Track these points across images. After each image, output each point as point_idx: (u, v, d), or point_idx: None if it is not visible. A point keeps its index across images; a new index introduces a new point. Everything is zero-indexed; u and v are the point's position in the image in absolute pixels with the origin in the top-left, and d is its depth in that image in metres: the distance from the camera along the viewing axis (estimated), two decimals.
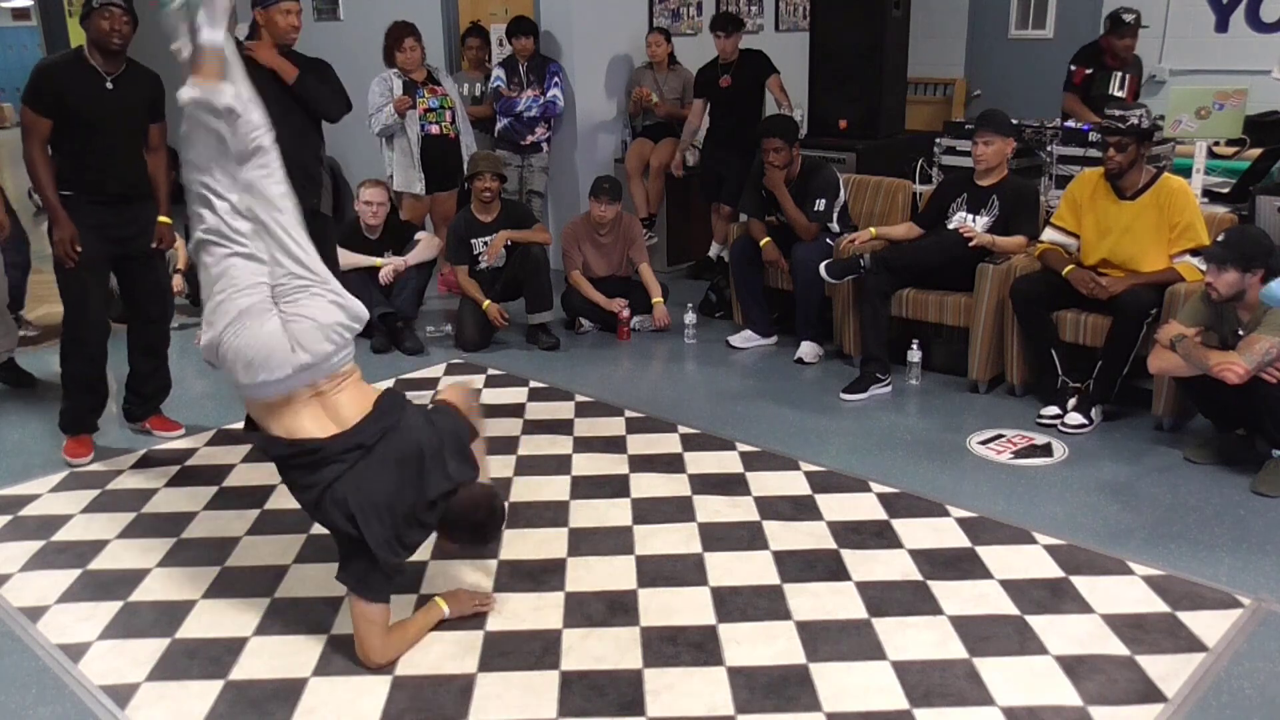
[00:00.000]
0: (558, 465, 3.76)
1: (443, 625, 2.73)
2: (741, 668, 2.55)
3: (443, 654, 2.63)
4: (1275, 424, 3.44)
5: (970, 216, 4.52)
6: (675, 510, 3.39)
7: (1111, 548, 3.10)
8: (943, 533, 3.21)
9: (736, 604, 2.83)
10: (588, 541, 3.19)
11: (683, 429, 4.06)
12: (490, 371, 4.82)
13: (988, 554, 3.07)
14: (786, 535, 3.20)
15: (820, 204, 4.86)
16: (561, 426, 4.12)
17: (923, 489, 3.52)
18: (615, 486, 3.57)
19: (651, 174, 6.41)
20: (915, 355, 4.53)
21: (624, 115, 6.67)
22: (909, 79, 6.72)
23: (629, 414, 4.23)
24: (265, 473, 3.61)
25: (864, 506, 3.39)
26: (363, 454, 2.51)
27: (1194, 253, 3.89)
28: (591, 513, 3.38)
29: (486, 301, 5.14)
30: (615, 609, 2.81)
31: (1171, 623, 2.70)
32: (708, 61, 6.16)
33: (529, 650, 2.64)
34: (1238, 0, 7.05)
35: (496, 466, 3.75)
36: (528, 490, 3.56)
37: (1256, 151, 5.04)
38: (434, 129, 5.70)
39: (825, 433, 4.05)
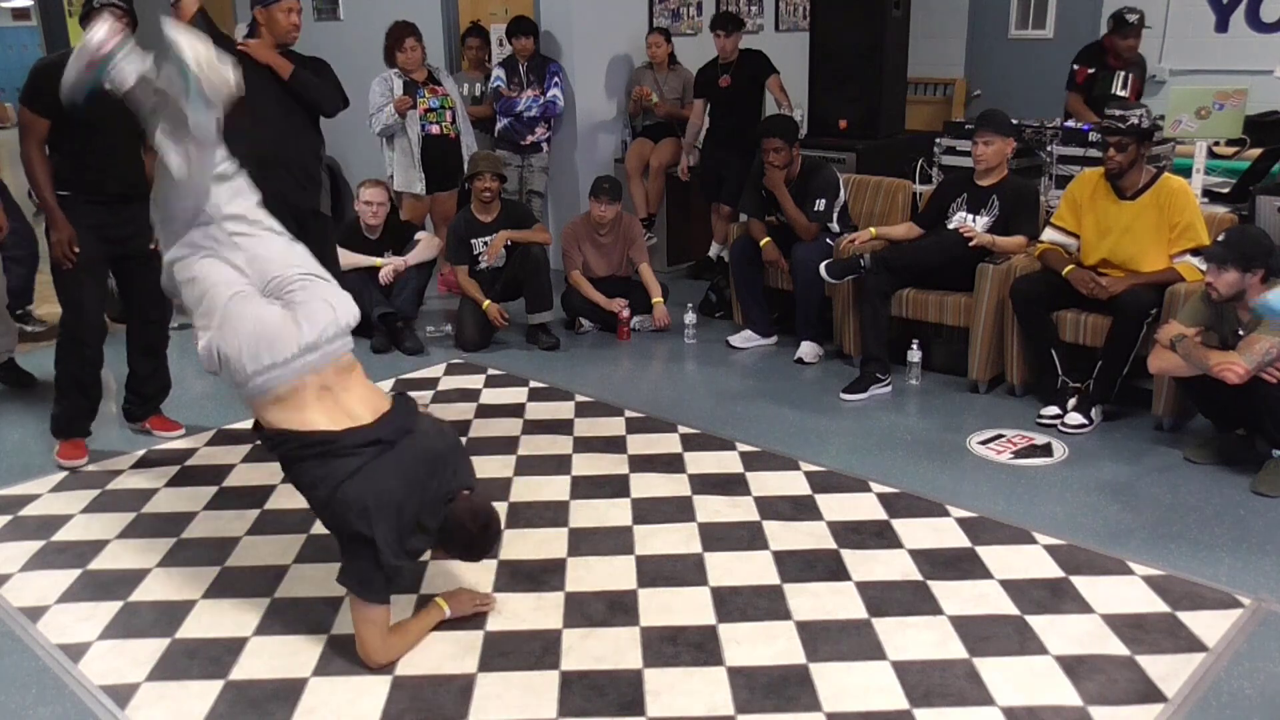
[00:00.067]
0: (558, 465, 3.76)
1: (443, 625, 2.73)
2: (741, 668, 2.55)
3: (443, 654, 2.63)
4: (1275, 424, 3.44)
5: (970, 216, 4.52)
6: (675, 510, 3.39)
7: (1111, 548, 3.10)
8: (943, 533, 3.21)
9: (736, 604, 2.83)
10: (588, 541, 3.19)
11: (683, 429, 4.06)
12: (490, 371, 4.82)
13: (988, 554, 3.07)
14: (786, 535, 3.20)
15: (820, 204, 4.86)
16: (561, 426, 4.12)
17: (923, 489, 3.52)
18: (615, 486, 3.57)
19: (651, 174, 6.41)
20: (915, 355, 4.53)
21: (624, 115, 6.67)
22: (909, 79, 6.72)
23: (629, 414, 4.23)
24: (265, 473, 3.61)
25: (864, 506, 3.39)
26: (380, 451, 2.50)
27: (1194, 253, 3.89)
28: (591, 513, 3.38)
29: (486, 301, 5.14)
30: (615, 609, 2.81)
31: (1171, 623, 2.70)
32: (708, 61, 6.16)
33: (529, 650, 2.64)
34: (1238, 0, 7.05)
35: (496, 466, 3.75)
36: (528, 490, 3.56)
37: (1256, 151, 5.03)
38: (434, 129, 5.70)
39: (825, 433, 4.05)
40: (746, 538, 3.19)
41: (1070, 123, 5.33)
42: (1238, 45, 7.06)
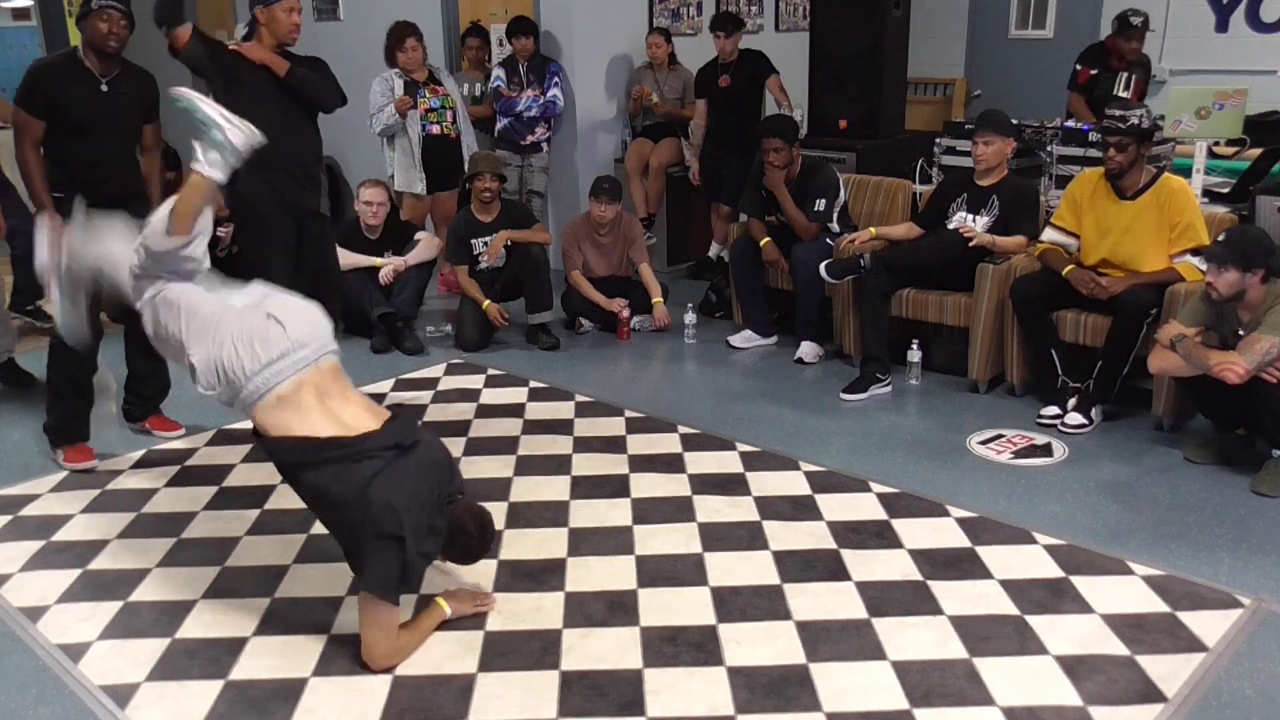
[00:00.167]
0: (558, 465, 3.76)
1: (443, 625, 2.73)
2: (741, 668, 2.55)
3: (443, 654, 2.63)
4: (1275, 424, 3.44)
5: (970, 216, 4.52)
6: (675, 510, 3.39)
7: (1111, 548, 3.10)
8: (943, 533, 3.21)
9: (736, 604, 2.83)
10: (588, 541, 3.19)
11: (683, 429, 4.06)
12: (490, 371, 4.82)
13: (988, 554, 3.07)
14: (786, 535, 3.20)
15: (820, 204, 4.86)
16: (561, 426, 4.12)
17: (923, 489, 3.52)
18: (615, 486, 3.57)
19: (651, 174, 6.41)
20: (915, 355, 4.53)
21: (624, 115, 6.67)
22: (909, 79, 6.72)
23: (629, 414, 4.23)
24: (265, 473, 3.61)
25: (864, 506, 3.39)
26: (398, 454, 2.54)
27: (1194, 252, 3.89)
28: (591, 513, 3.38)
29: (486, 301, 5.14)
30: (615, 609, 2.82)
31: (1171, 623, 2.70)
32: (708, 61, 6.16)
33: (529, 650, 2.64)
34: (1238, 0, 7.05)
35: (496, 466, 3.75)
36: (528, 490, 3.56)
37: (1256, 151, 5.04)
38: (435, 129, 5.70)
39: (825, 433, 4.05)
40: (746, 538, 3.19)
41: (1070, 123, 5.33)
42: (1238, 45, 7.06)
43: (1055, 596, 2.84)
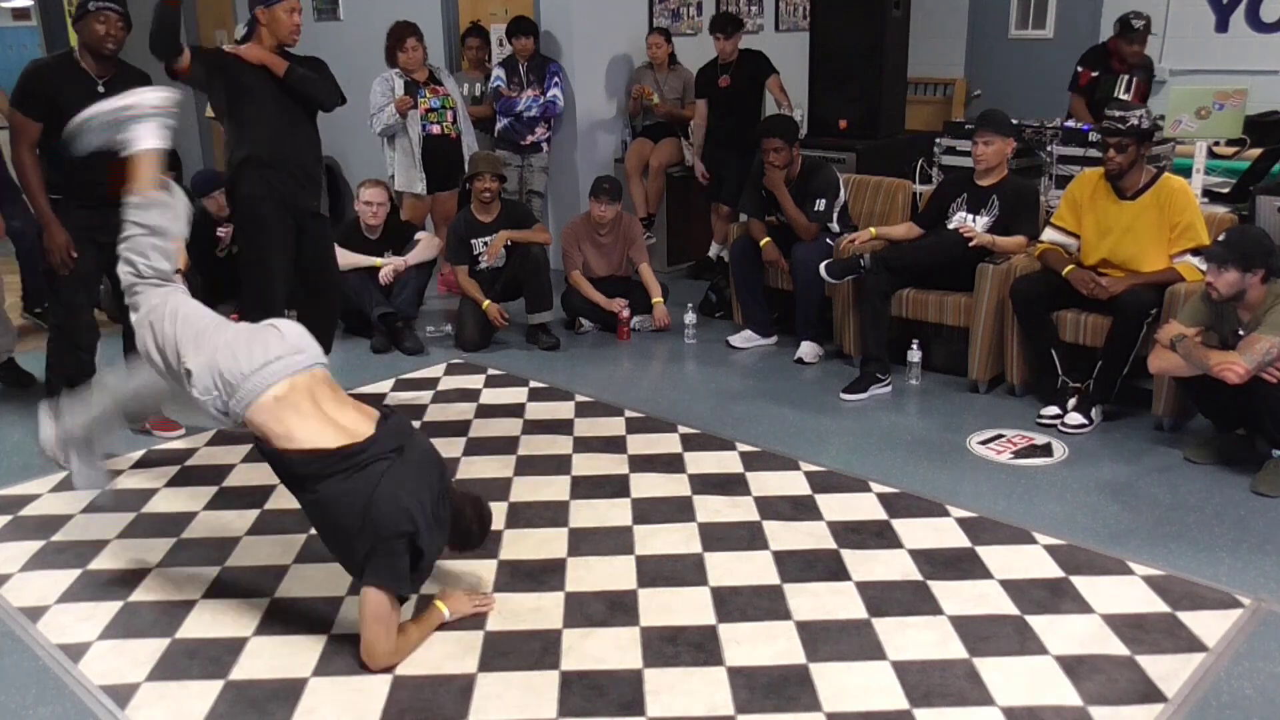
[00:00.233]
0: (558, 465, 3.76)
1: (442, 625, 2.73)
2: (741, 668, 2.55)
3: (443, 654, 2.63)
4: (1275, 424, 3.44)
5: (970, 216, 4.52)
6: (675, 510, 3.39)
7: (1111, 548, 3.10)
8: (943, 533, 3.21)
9: (736, 604, 2.83)
10: (588, 541, 3.19)
11: (683, 429, 4.06)
12: (490, 371, 4.82)
13: (988, 554, 3.07)
14: (786, 535, 3.20)
15: (820, 204, 4.86)
16: (561, 426, 4.12)
17: (923, 489, 3.52)
18: (615, 486, 3.57)
19: (651, 174, 6.41)
20: (915, 355, 4.53)
21: (624, 115, 6.67)
22: (909, 79, 6.72)
23: (629, 414, 4.23)
24: (265, 472, 3.59)
25: (864, 506, 3.39)
26: (399, 455, 2.57)
27: (1194, 252, 3.89)
28: (591, 513, 3.38)
29: (486, 301, 5.14)
30: (615, 609, 2.81)
31: (1171, 623, 2.70)
32: (708, 62, 6.16)
33: (529, 650, 2.64)
34: (1238, 0, 7.05)
35: (496, 466, 3.75)
36: (528, 490, 3.56)
37: (1256, 151, 5.04)
38: (435, 129, 5.70)
39: (825, 433, 4.05)
40: (746, 538, 3.19)
41: (1070, 123, 5.33)
42: (1238, 45, 7.06)
43: (1055, 596, 2.84)
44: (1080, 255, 4.20)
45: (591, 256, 5.43)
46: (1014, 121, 4.68)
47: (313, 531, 3.23)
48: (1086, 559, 3.03)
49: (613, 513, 3.38)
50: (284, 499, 3.46)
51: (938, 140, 5.51)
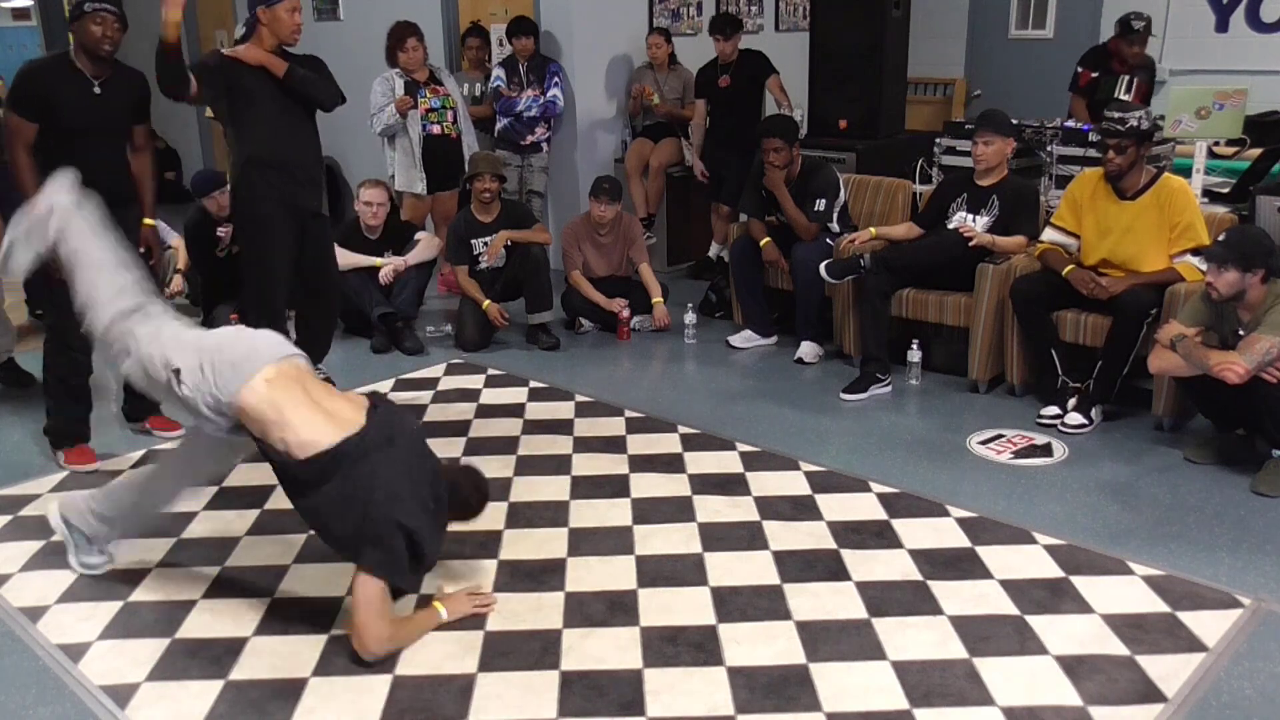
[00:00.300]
0: (558, 465, 3.76)
1: (443, 625, 2.73)
2: (741, 668, 2.55)
3: (443, 654, 2.63)
4: (1275, 424, 3.44)
5: (970, 216, 4.52)
6: (675, 510, 3.39)
7: (1111, 548, 3.10)
8: (943, 533, 3.21)
9: (736, 604, 2.83)
10: (588, 541, 3.19)
11: (683, 429, 4.06)
12: (490, 371, 4.82)
13: (988, 554, 3.07)
14: (786, 535, 3.20)
15: (820, 204, 4.86)
16: (561, 426, 4.12)
17: (923, 489, 3.52)
18: (615, 486, 3.57)
19: (651, 174, 6.41)
20: (915, 355, 4.53)
21: (624, 115, 6.67)
22: (909, 79, 6.72)
23: (629, 414, 4.23)
24: (265, 472, 3.59)
25: (864, 506, 3.39)
26: (391, 442, 2.62)
27: (1194, 252, 3.89)
28: (591, 513, 3.38)
29: (486, 301, 5.14)
30: (615, 609, 2.81)
31: (1171, 623, 2.70)
32: (708, 62, 6.16)
33: (529, 650, 2.64)
34: (1238, 0, 7.05)
35: (496, 466, 3.75)
36: (528, 490, 3.56)
37: (1256, 151, 5.04)
38: (435, 129, 5.70)
39: (825, 433, 4.05)
40: (746, 538, 3.19)
41: (1070, 123, 5.33)
42: (1238, 45, 7.06)
43: (1055, 596, 2.84)
44: (1080, 255, 4.20)
45: (591, 256, 5.43)
46: (1014, 121, 4.68)
47: (313, 531, 3.24)
48: (1086, 559, 3.03)
49: (613, 513, 3.38)
50: (284, 499, 3.45)
51: (938, 140, 5.51)
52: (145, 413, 4.12)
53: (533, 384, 4.63)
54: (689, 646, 2.64)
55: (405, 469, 2.60)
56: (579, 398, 4.43)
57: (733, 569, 3.01)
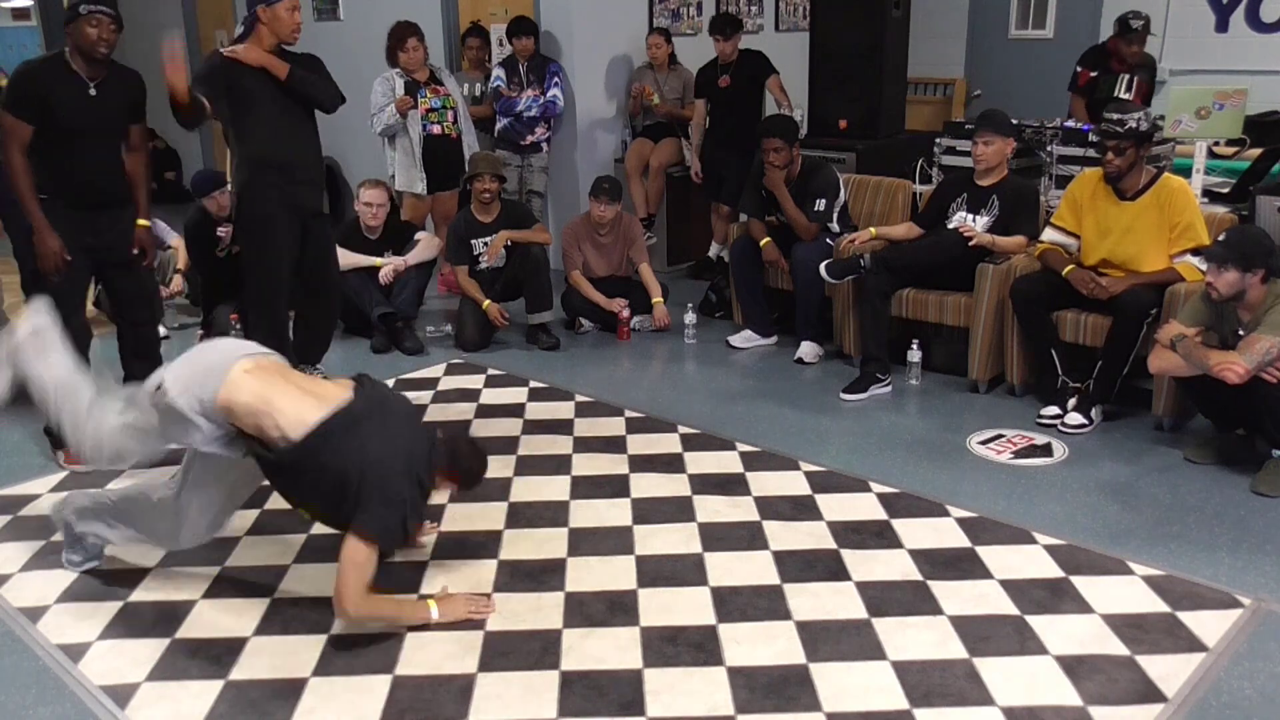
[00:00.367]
0: (558, 465, 3.76)
1: (442, 626, 2.73)
2: (741, 668, 2.55)
3: (443, 654, 2.63)
4: (1275, 424, 3.44)
5: (970, 216, 4.52)
6: (675, 510, 3.39)
7: (1111, 548, 3.10)
8: (943, 533, 3.21)
9: (736, 604, 2.83)
10: (588, 541, 3.19)
11: (683, 429, 4.06)
12: (490, 371, 4.82)
13: (988, 554, 3.07)
14: (786, 535, 3.20)
15: (820, 204, 4.86)
16: (561, 426, 4.12)
17: (923, 489, 3.52)
18: (615, 486, 3.57)
19: (651, 174, 6.41)
20: (915, 355, 4.53)
21: (624, 115, 6.67)
22: (909, 79, 6.72)
23: (629, 414, 4.23)
24: None
25: (864, 506, 3.39)
26: (382, 413, 2.70)
27: (1194, 252, 3.89)
28: (591, 513, 3.38)
29: (486, 301, 5.14)
30: (615, 609, 2.81)
31: (1171, 623, 2.70)
32: (708, 62, 6.16)
33: (529, 650, 2.64)
34: (1238, 0, 7.05)
35: (496, 466, 3.75)
36: (528, 490, 3.56)
37: (1256, 151, 5.04)
38: (436, 129, 5.70)
39: (825, 433, 4.05)
40: (746, 538, 3.19)
41: (1070, 122, 5.33)
42: (1238, 45, 7.06)
43: (1055, 596, 2.84)
44: (1080, 255, 4.20)
45: (591, 256, 5.43)
46: (1014, 121, 4.68)
47: (313, 531, 3.25)
48: (1086, 559, 3.03)
49: (613, 513, 3.38)
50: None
51: (938, 140, 5.50)
52: None
53: (533, 384, 4.63)
54: (689, 646, 2.64)
55: (397, 436, 2.66)
56: (579, 398, 4.43)
57: (733, 569, 3.01)
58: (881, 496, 3.46)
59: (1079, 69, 6.04)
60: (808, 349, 4.88)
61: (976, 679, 2.49)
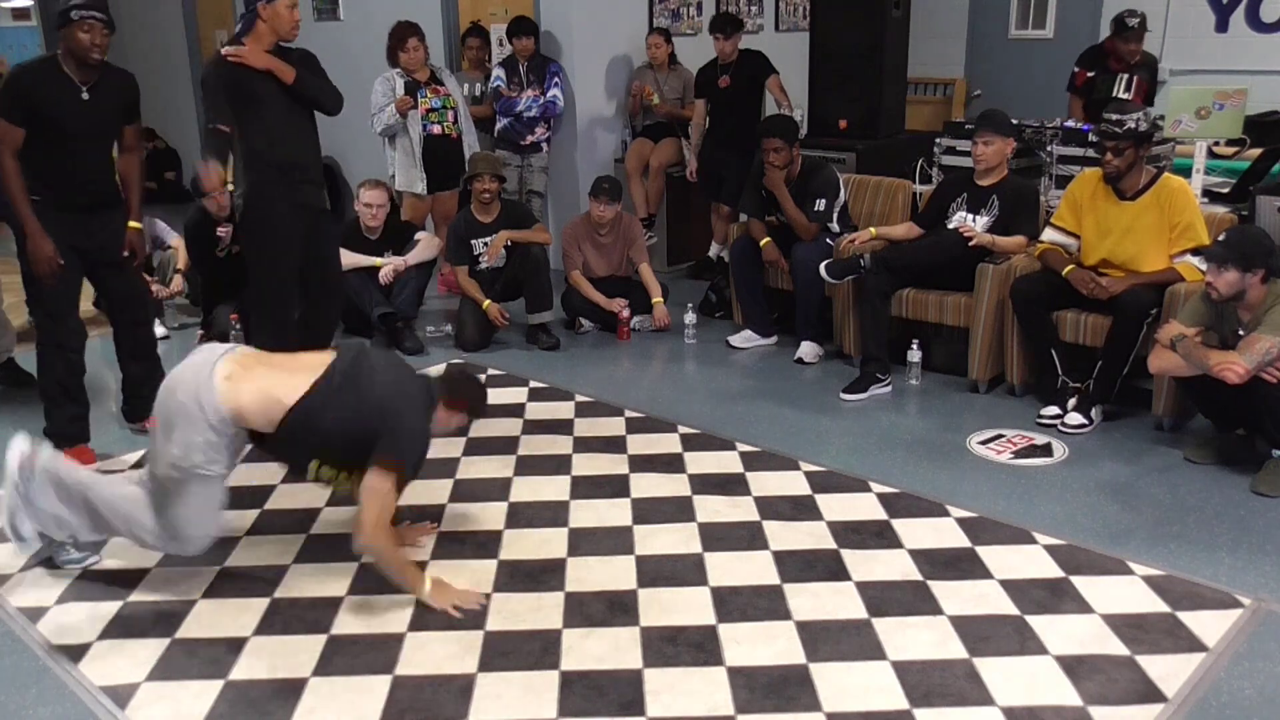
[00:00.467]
0: (558, 465, 3.76)
1: (441, 625, 2.74)
2: (741, 668, 2.55)
3: (443, 654, 2.63)
4: (1275, 424, 3.44)
5: (970, 216, 4.52)
6: (675, 510, 3.39)
7: (1111, 548, 3.10)
8: (943, 533, 3.21)
9: (736, 604, 2.83)
10: (588, 541, 3.19)
11: (683, 429, 4.06)
12: (490, 371, 4.82)
13: (988, 554, 3.07)
14: (786, 535, 3.20)
15: (820, 204, 4.86)
16: (561, 426, 4.12)
17: (923, 489, 3.52)
18: (615, 486, 3.57)
19: (651, 174, 6.41)
20: (915, 355, 4.53)
21: (624, 115, 6.67)
22: (909, 79, 6.72)
23: (629, 414, 4.23)
24: (265, 473, 3.61)
25: (864, 506, 3.39)
26: (367, 355, 2.89)
27: (1194, 252, 3.89)
28: (591, 513, 3.38)
29: (486, 301, 5.14)
30: (615, 609, 2.81)
31: (1171, 623, 2.70)
32: (708, 62, 6.16)
33: (529, 650, 2.64)
34: (1238, 0, 7.05)
35: (496, 466, 3.75)
36: (528, 490, 3.56)
37: (1256, 151, 5.03)
38: (436, 129, 5.70)
39: (825, 433, 4.05)
40: (746, 538, 3.19)
41: (1070, 122, 5.33)
42: (1238, 45, 7.06)
43: (1055, 596, 2.84)
44: (1080, 255, 4.20)
45: (591, 256, 5.43)
46: (1014, 121, 4.68)
47: (313, 531, 3.25)
48: (1086, 559, 3.03)
49: (613, 513, 3.38)
50: (284, 499, 3.47)
51: (938, 140, 5.50)
52: (145, 413, 4.10)
53: (533, 384, 4.63)
54: (689, 646, 2.64)
55: (399, 376, 2.89)
56: (579, 398, 4.43)
57: (733, 569, 3.01)
58: (881, 496, 3.46)
59: (1076, 69, 6.04)
60: (808, 349, 4.88)
61: (976, 679, 2.49)
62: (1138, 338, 3.88)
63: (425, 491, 3.47)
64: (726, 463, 3.74)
